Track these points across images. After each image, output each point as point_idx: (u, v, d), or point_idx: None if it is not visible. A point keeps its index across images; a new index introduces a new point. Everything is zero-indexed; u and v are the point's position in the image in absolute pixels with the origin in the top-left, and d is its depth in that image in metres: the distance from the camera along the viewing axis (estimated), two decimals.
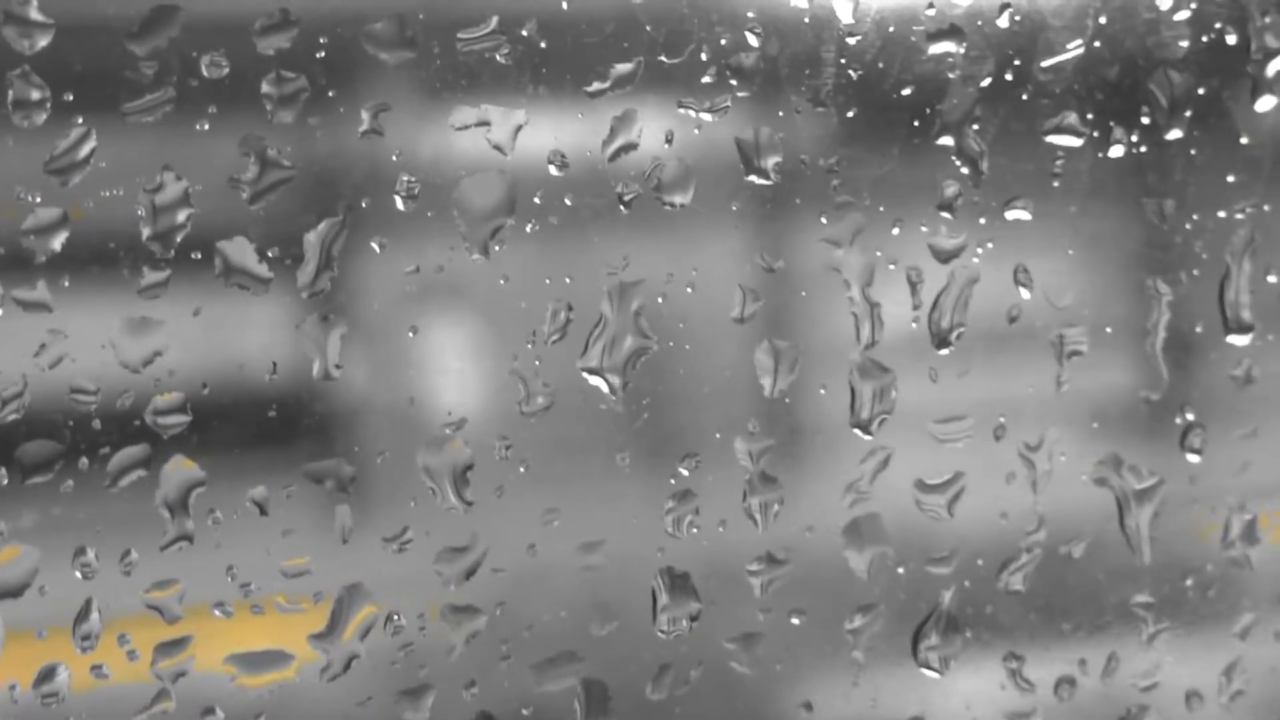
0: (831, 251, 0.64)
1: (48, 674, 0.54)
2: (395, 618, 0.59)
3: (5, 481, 0.52)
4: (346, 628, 0.58)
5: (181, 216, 0.54)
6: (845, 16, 0.63)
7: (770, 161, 0.62)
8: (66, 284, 0.53)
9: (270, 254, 0.55)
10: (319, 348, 0.56)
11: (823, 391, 0.65)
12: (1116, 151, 0.69)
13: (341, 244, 0.56)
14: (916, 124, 0.65)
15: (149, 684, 0.55)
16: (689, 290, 0.62)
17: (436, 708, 0.60)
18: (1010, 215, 0.67)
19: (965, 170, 0.66)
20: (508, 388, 0.59)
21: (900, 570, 0.67)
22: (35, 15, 0.51)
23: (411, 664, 0.59)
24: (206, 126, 0.53)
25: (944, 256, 0.66)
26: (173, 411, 0.54)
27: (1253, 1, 0.70)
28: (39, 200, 0.52)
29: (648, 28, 0.59)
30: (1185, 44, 0.69)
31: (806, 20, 0.62)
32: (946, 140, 0.65)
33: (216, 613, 0.56)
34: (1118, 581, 0.72)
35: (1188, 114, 0.70)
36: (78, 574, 0.54)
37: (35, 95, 0.51)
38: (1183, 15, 0.69)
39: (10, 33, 0.51)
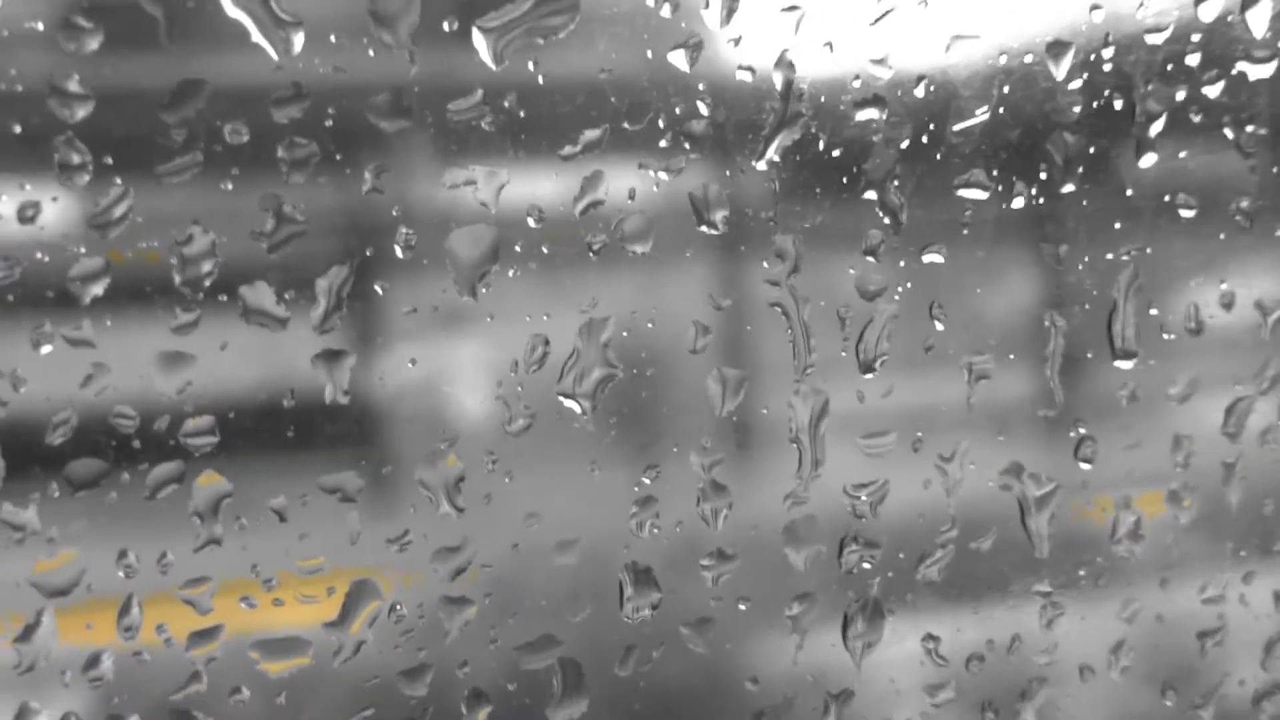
0: (772, 291, 0.66)
1: (94, 660, 0.56)
2: (398, 608, 0.61)
3: (57, 494, 0.54)
4: (356, 617, 0.60)
5: (208, 265, 0.55)
6: (783, 88, 0.64)
7: (719, 214, 0.64)
8: (109, 323, 0.55)
9: (287, 296, 0.57)
10: (330, 377, 0.58)
11: (765, 411, 0.67)
12: (1018, 203, 0.71)
13: (349, 287, 0.58)
14: (845, 181, 0.66)
15: (184, 667, 0.57)
16: (650, 326, 0.64)
17: (434, 684, 0.61)
18: (926, 259, 0.69)
19: (887, 220, 0.68)
20: (494, 410, 0.61)
21: (833, 564, 0.69)
22: (76, 88, 0.53)
23: (412, 647, 0.61)
24: (230, 186, 0.55)
25: (869, 295, 0.68)
26: (203, 433, 0.56)
27: (1137, 72, 0.71)
28: (83, 250, 0.54)
29: (612, 99, 0.61)
30: (1078, 109, 0.71)
31: (749, 91, 0.64)
32: (871, 195, 0.67)
33: (243, 605, 0.58)
34: (1020, 573, 0.74)
35: (1080, 170, 0.71)
36: (120, 573, 0.56)
37: (78, 159, 0.53)
38: (1076, 84, 0.70)
39: (55, 104, 0.52)
